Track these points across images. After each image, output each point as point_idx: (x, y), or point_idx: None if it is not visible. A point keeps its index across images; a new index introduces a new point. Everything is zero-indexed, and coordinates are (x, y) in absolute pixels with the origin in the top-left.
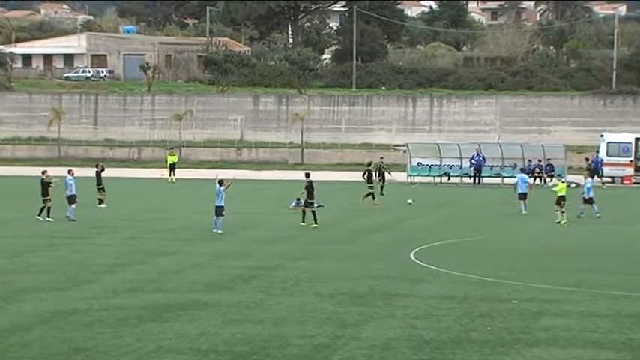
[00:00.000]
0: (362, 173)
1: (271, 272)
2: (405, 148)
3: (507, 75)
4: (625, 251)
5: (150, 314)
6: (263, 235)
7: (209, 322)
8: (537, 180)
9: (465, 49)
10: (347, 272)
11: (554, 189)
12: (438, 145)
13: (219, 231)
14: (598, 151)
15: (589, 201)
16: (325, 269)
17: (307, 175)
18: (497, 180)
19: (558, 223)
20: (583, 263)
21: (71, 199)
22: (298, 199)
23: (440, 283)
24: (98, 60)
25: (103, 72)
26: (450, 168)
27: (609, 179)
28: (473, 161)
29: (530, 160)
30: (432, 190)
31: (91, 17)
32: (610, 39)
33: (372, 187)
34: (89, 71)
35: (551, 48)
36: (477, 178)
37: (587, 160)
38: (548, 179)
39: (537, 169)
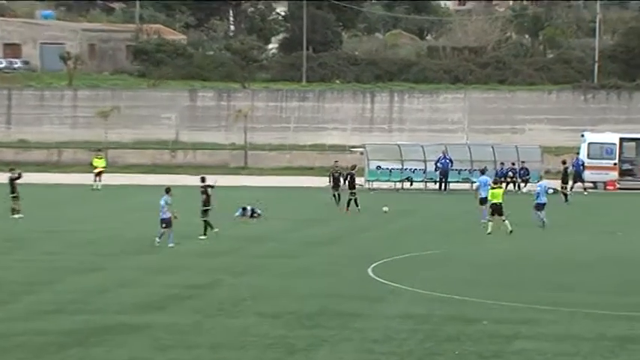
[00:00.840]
0: (345, 178)
1: (209, 290)
2: (362, 149)
3: (477, 67)
4: (607, 265)
5: (73, 339)
6: (200, 248)
7: (139, 347)
8: (511, 185)
9: (429, 37)
10: (295, 290)
11: (490, 195)
12: (399, 146)
13: (171, 244)
14: (578, 153)
15: (538, 207)
16: (270, 286)
17: (203, 180)
18: (466, 185)
19: (489, 233)
20: (561, 279)
21: None
22: (244, 208)
23: (401, 301)
24: (11, 49)
25: (16, 63)
26: (413, 172)
27: (591, 184)
28: (439, 164)
29: (502, 163)
30: (392, 196)
31: (3, 1)
32: (592, 26)
33: (354, 194)
34: (1, 62)
35: (526, 37)
36: (443, 184)
37: (563, 163)
38: (522, 184)
39: (510, 173)
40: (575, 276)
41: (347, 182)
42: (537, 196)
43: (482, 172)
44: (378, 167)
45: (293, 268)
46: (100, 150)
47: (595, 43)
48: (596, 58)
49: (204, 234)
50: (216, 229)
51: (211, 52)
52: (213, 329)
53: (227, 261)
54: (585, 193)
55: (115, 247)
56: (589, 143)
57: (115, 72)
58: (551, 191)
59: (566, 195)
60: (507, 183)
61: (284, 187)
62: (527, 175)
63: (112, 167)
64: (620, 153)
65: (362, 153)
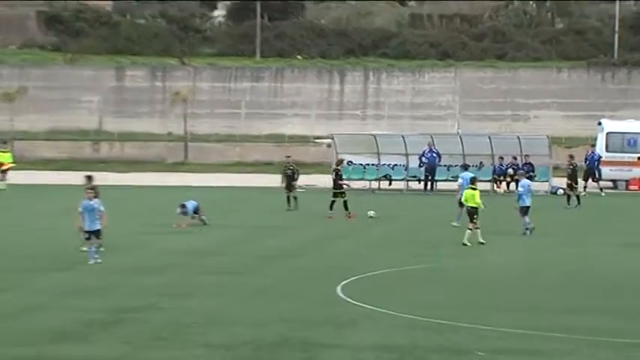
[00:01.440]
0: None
1: (143, 315)
2: (329, 141)
3: (470, 39)
4: (631, 283)
5: None
6: (132, 263)
7: None
8: (513, 184)
9: (412, 3)
10: (251, 314)
11: (463, 197)
12: (375, 136)
13: (96, 260)
14: (594, 145)
15: (523, 211)
16: (221, 310)
17: (89, 179)
18: (457, 185)
19: (464, 244)
20: (575, 299)
21: None
22: (183, 205)
23: (378, 328)
24: None
25: None
26: (392, 168)
27: (610, 183)
28: (424, 159)
29: (502, 158)
30: (367, 198)
31: None
32: None
33: (339, 195)
34: None
35: (531, 3)
36: (429, 182)
37: (571, 158)
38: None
39: (511, 170)
40: (593, 296)
41: (332, 180)
42: (519, 198)
43: (465, 167)
44: (350, 163)
45: (247, 288)
46: (4, 142)
47: (615, 9)
48: (616, 29)
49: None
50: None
51: (142, 21)
52: None
53: (166, 279)
54: (602, 194)
55: (23, 262)
56: (607, 133)
57: (24, 45)
58: (560, 192)
59: (578, 197)
60: (508, 182)
61: (234, 187)
62: (532, 171)
63: (19, 163)
64: None
65: (329, 145)
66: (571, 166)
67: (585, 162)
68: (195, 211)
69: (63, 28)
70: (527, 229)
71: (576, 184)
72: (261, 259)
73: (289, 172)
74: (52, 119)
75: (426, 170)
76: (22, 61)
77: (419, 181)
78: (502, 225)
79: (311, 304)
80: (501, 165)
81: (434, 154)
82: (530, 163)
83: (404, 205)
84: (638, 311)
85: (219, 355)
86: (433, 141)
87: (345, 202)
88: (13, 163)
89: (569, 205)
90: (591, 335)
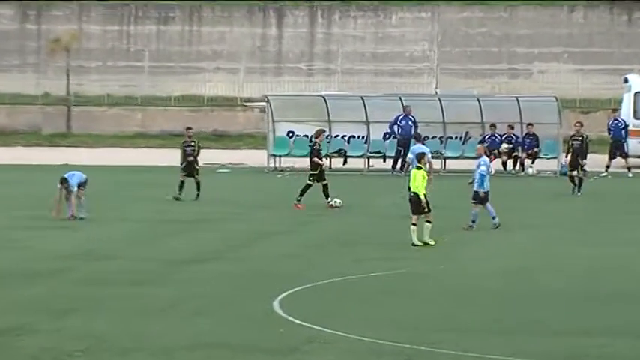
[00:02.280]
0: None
1: (9, 340)
2: (262, 104)
3: None
4: None
5: None
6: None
7: None
8: (510, 163)
9: None
10: (157, 338)
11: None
12: (324, 98)
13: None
14: (616, 110)
15: (480, 198)
16: (113, 332)
17: None
18: (436, 163)
19: (414, 244)
20: (584, 316)
21: None
22: (64, 180)
23: (328, 355)
24: None
25: None
26: (348, 141)
27: (639, 160)
28: (397, 128)
29: (493, 126)
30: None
31: None
32: None
33: (316, 177)
34: None
35: None
36: (401, 159)
37: (579, 125)
38: (528, 161)
39: (507, 143)
40: (608, 312)
41: (309, 159)
42: (478, 181)
43: (419, 139)
44: (291, 134)
45: (152, 303)
46: None
47: None
48: None
49: None
50: None
51: None
52: None
53: (43, 290)
54: (630, 174)
55: None
56: (637, 93)
57: None
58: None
59: (580, 180)
60: (504, 162)
61: (133, 166)
62: (537, 146)
63: None
64: None
65: (262, 110)
66: (579, 138)
67: (609, 133)
68: (81, 185)
69: None
70: (493, 220)
71: (580, 160)
72: (170, 264)
73: (189, 149)
74: None
75: (399, 143)
76: None
77: (384, 158)
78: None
79: (239, 323)
80: (494, 136)
81: (410, 123)
82: (533, 135)
83: (363, 190)
84: None
85: None
86: (409, 107)
87: (325, 186)
88: None
89: (579, 191)
90: None
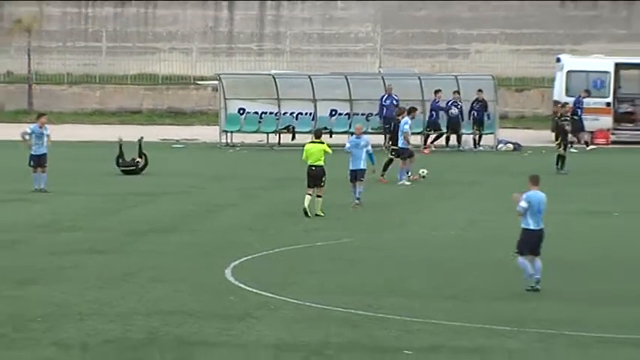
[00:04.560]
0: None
1: None
2: (215, 82)
3: None
4: (594, 260)
5: None
6: None
7: None
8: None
9: None
10: (111, 305)
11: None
12: (274, 77)
13: None
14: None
15: (357, 175)
16: (73, 300)
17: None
18: (379, 138)
19: (308, 215)
20: (522, 282)
21: None
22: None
23: (278, 321)
24: None
25: None
26: (296, 118)
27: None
28: (383, 108)
29: (439, 91)
30: (264, 157)
31: None
32: None
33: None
34: None
35: None
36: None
37: (562, 106)
38: (469, 137)
39: (455, 107)
40: (551, 278)
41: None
42: (355, 158)
43: (402, 112)
44: (242, 111)
45: (109, 271)
46: None
47: None
48: None
49: None
50: None
51: None
52: None
53: (5, 261)
54: (587, 149)
55: None
56: (568, 72)
57: None
58: (510, 146)
59: (564, 158)
60: (447, 136)
61: (91, 142)
62: (485, 110)
63: None
64: (616, 88)
65: (215, 89)
66: (567, 116)
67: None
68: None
69: None
70: (357, 199)
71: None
72: (127, 235)
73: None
74: None
75: (385, 122)
76: None
77: (330, 133)
78: (435, 189)
79: (192, 291)
80: (436, 102)
81: (394, 102)
82: (482, 100)
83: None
84: (603, 298)
85: (73, 357)
86: (390, 87)
87: (390, 161)
88: None
89: (563, 169)
90: (544, 328)
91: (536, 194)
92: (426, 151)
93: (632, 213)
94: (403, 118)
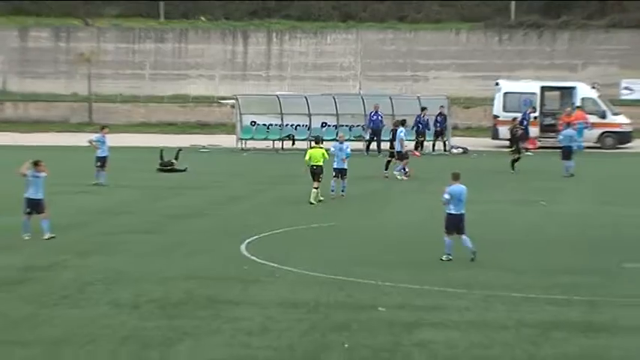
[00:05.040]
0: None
1: (47, 274)
2: (233, 102)
3: (372, 1)
4: (526, 239)
5: None
6: (36, 224)
7: None
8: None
9: None
10: (156, 272)
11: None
12: (278, 97)
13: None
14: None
15: (341, 174)
16: (126, 268)
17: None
18: (359, 144)
19: (312, 203)
20: (478, 255)
21: None
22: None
23: (281, 285)
24: None
25: None
26: (295, 128)
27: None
28: (370, 122)
29: (424, 108)
30: (271, 159)
31: None
32: None
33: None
34: None
35: None
36: (371, 145)
37: (513, 120)
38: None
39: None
40: (490, 253)
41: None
42: (337, 157)
43: (398, 124)
44: (253, 123)
45: (152, 247)
46: None
47: None
48: None
49: None
50: None
51: None
52: (54, 321)
53: (71, 238)
54: (529, 153)
55: None
56: (505, 93)
57: None
58: (460, 150)
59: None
60: (421, 142)
61: (138, 147)
62: (445, 122)
63: None
64: (542, 105)
65: (233, 106)
66: (519, 128)
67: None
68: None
69: None
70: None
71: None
72: (167, 218)
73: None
74: None
75: (372, 132)
76: None
77: (322, 140)
78: (403, 185)
79: (216, 261)
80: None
81: (379, 117)
82: (443, 115)
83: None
84: (527, 267)
85: (125, 313)
86: (377, 105)
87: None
88: None
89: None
90: (485, 290)
91: (457, 187)
92: (417, 153)
93: (555, 203)
94: (399, 128)
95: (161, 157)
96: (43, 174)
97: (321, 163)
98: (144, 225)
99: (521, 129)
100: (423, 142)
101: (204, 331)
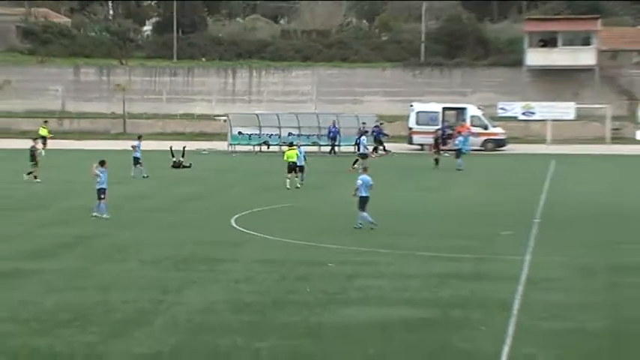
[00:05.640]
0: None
1: (95, 240)
2: (225, 118)
3: (323, 47)
4: (430, 214)
5: None
6: (87, 204)
7: (31, 290)
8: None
9: (282, 22)
10: (170, 239)
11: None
12: (257, 115)
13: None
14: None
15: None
16: (149, 236)
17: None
18: (314, 148)
19: (288, 188)
20: (395, 227)
21: None
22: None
23: (261, 248)
24: None
25: None
26: (269, 137)
27: (419, 146)
28: (330, 132)
29: (364, 123)
30: (251, 158)
31: None
32: (419, 13)
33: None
34: None
35: (364, 21)
36: (333, 147)
37: (437, 130)
38: (380, 147)
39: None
40: (405, 224)
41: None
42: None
43: (362, 133)
44: (240, 133)
45: (167, 221)
46: (46, 121)
47: (422, 27)
48: (423, 40)
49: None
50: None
51: (93, 34)
52: (99, 273)
53: (112, 215)
54: (446, 154)
55: (4, 204)
56: (417, 112)
57: (7, 50)
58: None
59: (437, 160)
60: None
61: (157, 150)
62: (381, 133)
63: (7, 133)
64: (443, 120)
65: (225, 121)
66: (441, 136)
67: (442, 132)
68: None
69: (35, 38)
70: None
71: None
72: (176, 201)
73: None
74: (28, 102)
75: (331, 140)
76: (5, 62)
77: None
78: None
79: (213, 231)
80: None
81: (336, 129)
82: (380, 127)
83: (277, 162)
84: (437, 232)
85: (149, 268)
86: (337, 120)
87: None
88: (50, 134)
89: (438, 166)
90: (406, 250)
91: (365, 177)
92: (373, 155)
93: (450, 189)
94: (362, 136)
95: (172, 154)
96: (106, 170)
97: (294, 160)
98: (161, 206)
99: (441, 138)
100: (377, 147)
101: (206, 280)
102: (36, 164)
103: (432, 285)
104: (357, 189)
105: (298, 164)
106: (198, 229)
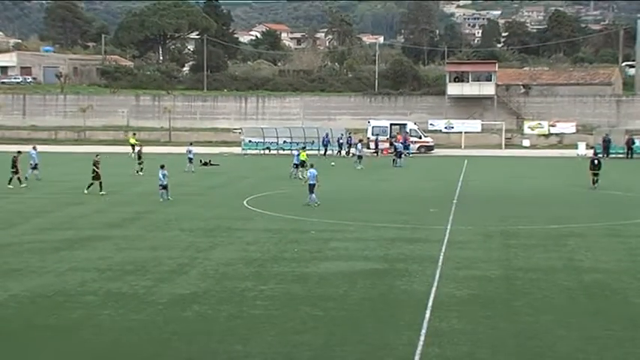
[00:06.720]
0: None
1: (149, 215)
2: (240, 130)
3: (308, 82)
4: (380, 198)
5: (64, 245)
6: (143, 191)
7: (106, 250)
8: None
9: (279, 64)
10: (201, 214)
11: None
12: (262, 128)
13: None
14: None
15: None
16: (186, 213)
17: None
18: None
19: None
20: (358, 206)
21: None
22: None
23: (264, 221)
24: (25, 70)
25: (28, 79)
26: (270, 144)
27: (374, 151)
28: (323, 140)
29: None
30: (258, 159)
31: (20, 40)
32: (374, 58)
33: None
34: (18, 78)
35: (336, 64)
36: (325, 152)
37: (392, 138)
38: (350, 149)
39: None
40: (363, 204)
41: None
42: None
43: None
44: (250, 141)
45: (199, 203)
46: (134, 133)
47: (376, 68)
48: (376, 77)
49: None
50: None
51: (148, 73)
52: (152, 238)
53: (133, 207)
54: (409, 154)
55: (90, 191)
56: (372, 126)
57: (90, 84)
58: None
59: (396, 160)
60: (347, 151)
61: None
62: (351, 140)
63: (88, 140)
64: (390, 132)
65: (240, 132)
66: (393, 143)
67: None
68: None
69: (109, 76)
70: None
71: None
72: (206, 189)
73: (94, 166)
74: (104, 120)
75: (324, 145)
76: (89, 92)
77: (281, 150)
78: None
79: (231, 209)
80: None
81: (327, 138)
82: (350, 136)
83: (278, 161)
84: (383, 211)
85: (186, 234)
86: (331, 132)
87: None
88: (138, 143)
89: (397, 164)
90: (365, 223)
91: (313, 171)
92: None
93: (393, 180)
94: (358, 144)
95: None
96: (165, 171)
97: (305, 159)
98: (195, 192)
99: (402, 143)
100: (349, 151)
101: (225, 243)
102: (141, 162)
103: (383, 246)
104: (307, 179)
105: (297, 163)
106: (220, 207)
